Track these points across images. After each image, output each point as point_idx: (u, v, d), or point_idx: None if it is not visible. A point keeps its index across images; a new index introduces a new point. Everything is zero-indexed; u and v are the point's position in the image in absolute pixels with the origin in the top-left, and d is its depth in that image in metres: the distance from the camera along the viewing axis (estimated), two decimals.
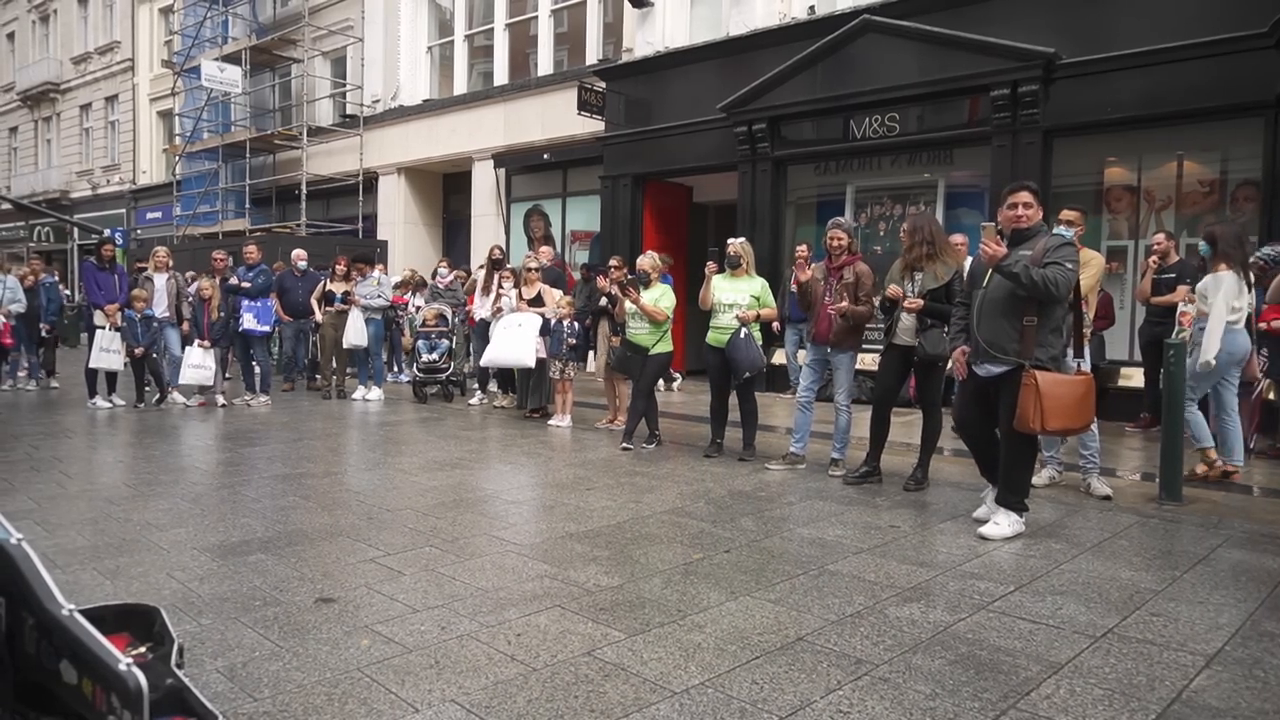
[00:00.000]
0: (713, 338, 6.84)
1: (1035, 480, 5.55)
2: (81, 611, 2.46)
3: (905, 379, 5.97)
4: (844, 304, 5.90)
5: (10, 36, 29.54)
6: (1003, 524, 4.57)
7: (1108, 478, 5.86)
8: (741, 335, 6.57)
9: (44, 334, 11.71)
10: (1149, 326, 7.71)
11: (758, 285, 6.80)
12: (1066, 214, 5.61)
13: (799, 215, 11.47)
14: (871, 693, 2.73)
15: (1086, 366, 5.57)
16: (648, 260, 7.50)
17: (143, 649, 2.66)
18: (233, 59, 18.88)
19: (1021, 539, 4.55)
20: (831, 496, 5.55)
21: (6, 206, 24.91)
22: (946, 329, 5.26)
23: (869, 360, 9.26)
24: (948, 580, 3.87)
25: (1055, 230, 5.36)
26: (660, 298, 7.28)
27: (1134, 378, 8.24)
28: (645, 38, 12.47)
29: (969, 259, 5.55)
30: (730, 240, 6.97)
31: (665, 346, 7.31)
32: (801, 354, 8.93)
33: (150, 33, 23.90)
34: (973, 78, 9.13)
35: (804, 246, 9.66)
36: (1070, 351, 4.65)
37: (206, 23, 20.18)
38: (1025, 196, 4.53)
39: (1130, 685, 2.81)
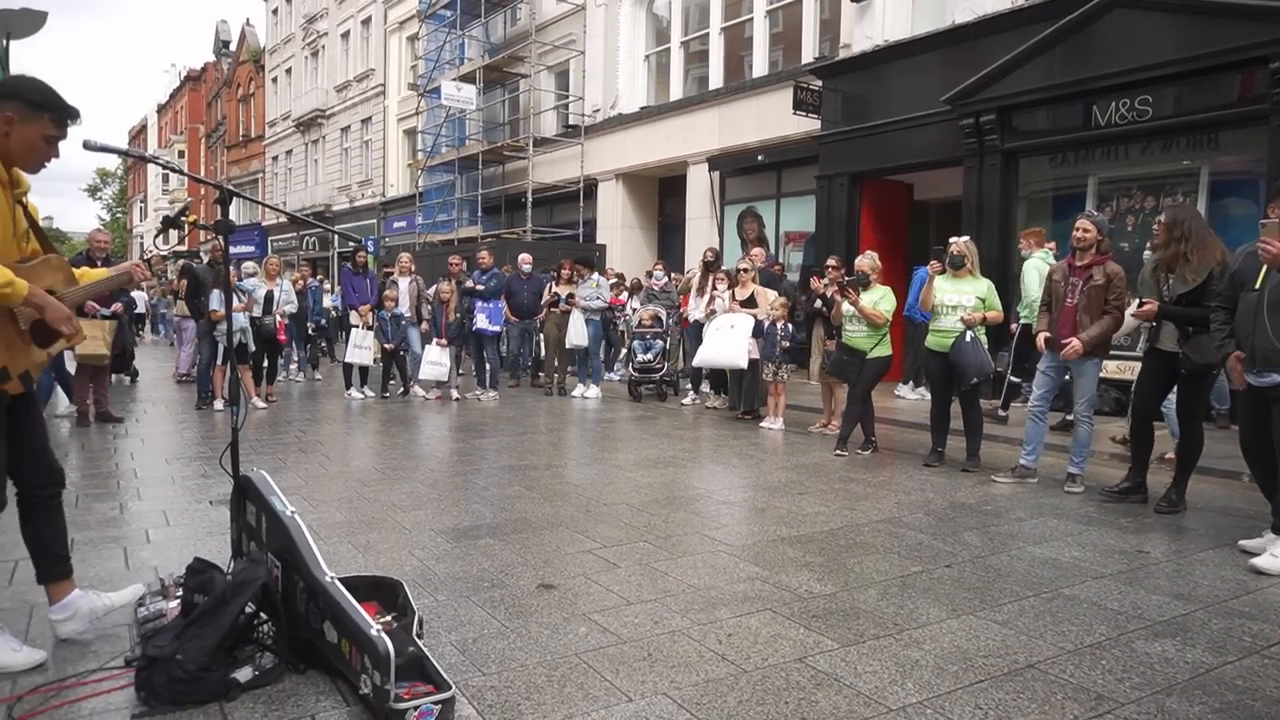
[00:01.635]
0: (934, 341, 6.51)
1: None
2: (340, 580, 2.75)
3: (1169, 388, 5.39)
4: (1077, 342, 5.44)
5: (288, 71, 33.63)
6: None
7: None
8: (967, 339, 6.20)
9: (310, 331, 13.22)
10: None
11: (984, 286, 6.40)
12: None
13: (1031, 211, 10.66)
14: None
15: None
16: (867, 261, 7.26)
17: (389, 618, 2.93)
18: (468, 78, 20.38)
19: None
20: (1068, 514, 5.10)
21: (283, 219, 28.36)
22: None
23: (1112, 367, 8.46)
24: (1209, 617, 3.43)
25: None
26: (880, 300, 7.02)
27: None
28: (864, 32, 12.10)
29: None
30: (953, 239, 6.61)
31: (884, 350, 7.05)
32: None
33: (399, 59, 26.30)
34: (1247, 49, 8.04)
35: (1052, 244, 8.94)
36: None
37: (446, 46, 21.92)
38: None
39: None
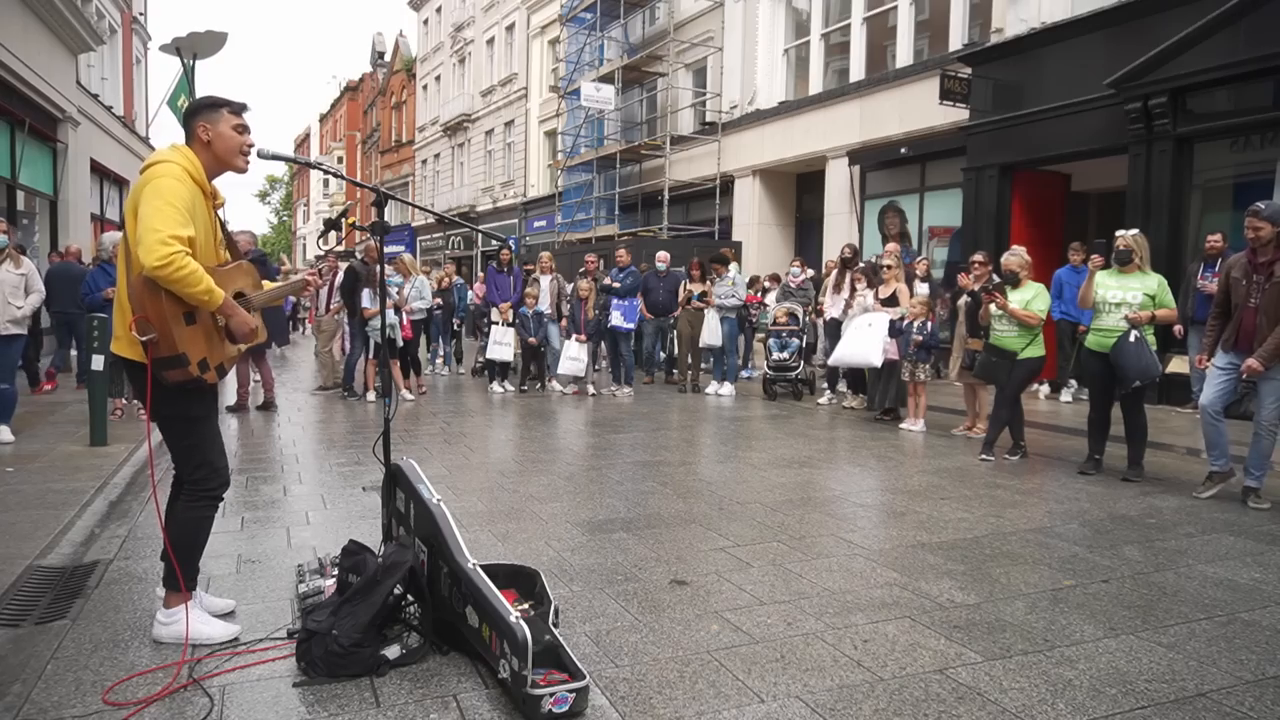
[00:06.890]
0: (1094, 341, 6.10)
1: None
2: (481, 567, 2.85)
3: None
4: (1254, 363, 4.96)
5: (438, 79, 35.20)
6: None
7: None
8: (1131, 339, 5.78)
9: (454, 328, 13.78)
10: None
11: (1153, 282, 5.93)
12: None
13: (1207, 200, 9.83)
14: None
15: None
16: (1015, 258, 6.88)
17: (526, 605, 3.02)
18: (607, 79, 20.70)
19: None
20: (1246, 531, 4.67)
21: (431, 220, 29.73)
22: None
23: None
24: None
25: None
26: (1033, 299, 6.63)
27: None
28: (1018, 15, 11.48)
29: None
30: (1120, 232, 6.16)
31: (1036, 350, 6.66)
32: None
33: (540, 63, 27.03)
34: None
35: (1218, 236, 8.28)
36: None
37: (586, 48, 22.34)
38: None
39: None
